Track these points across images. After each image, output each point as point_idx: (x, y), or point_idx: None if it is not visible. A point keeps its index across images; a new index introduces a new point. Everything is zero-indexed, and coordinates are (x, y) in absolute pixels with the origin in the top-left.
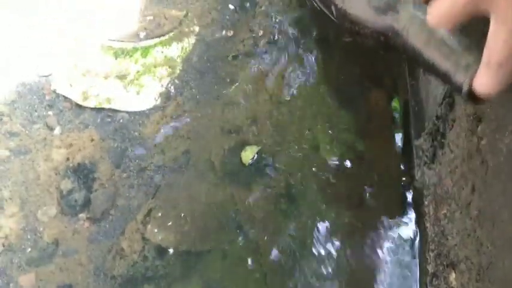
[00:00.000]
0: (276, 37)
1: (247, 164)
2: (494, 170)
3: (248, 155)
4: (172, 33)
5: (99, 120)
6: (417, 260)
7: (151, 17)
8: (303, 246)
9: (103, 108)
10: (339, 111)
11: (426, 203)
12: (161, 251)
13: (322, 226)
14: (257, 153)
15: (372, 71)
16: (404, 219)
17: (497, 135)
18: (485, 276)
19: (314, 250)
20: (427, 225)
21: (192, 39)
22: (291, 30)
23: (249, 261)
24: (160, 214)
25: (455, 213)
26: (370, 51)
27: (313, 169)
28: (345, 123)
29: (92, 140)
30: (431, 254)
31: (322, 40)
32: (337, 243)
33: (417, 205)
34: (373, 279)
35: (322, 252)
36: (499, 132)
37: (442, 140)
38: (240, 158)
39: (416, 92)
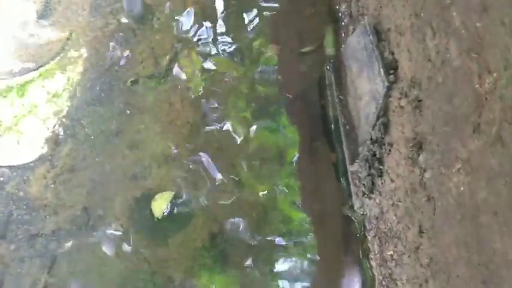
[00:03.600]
0: (180, 54)
1: (160, 217)
2: (443, 212)
3: (160, 205)
4: (54, 61)
5: None
6: None
7: (26, 44)
8: None
9: None
10: (266, 137)
11: (369, 238)
12: None
13: (253, 278)
14: (171, 201)
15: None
16: (348, 256)
17: (443, 169)
18: None
19: None
20: (373, 264)
21: (80, 66)
22: (197, 45)
23: None
24: None
25: (403, 256)
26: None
27: (240, 211)
28: (272, 151)
29: None
30: None
31: (238, 53)
32: None
33: (360, 239)
34: None
35: None
36: (445, 166)
37: (380, 167)
38: (151, 210)
39: (346, 109)
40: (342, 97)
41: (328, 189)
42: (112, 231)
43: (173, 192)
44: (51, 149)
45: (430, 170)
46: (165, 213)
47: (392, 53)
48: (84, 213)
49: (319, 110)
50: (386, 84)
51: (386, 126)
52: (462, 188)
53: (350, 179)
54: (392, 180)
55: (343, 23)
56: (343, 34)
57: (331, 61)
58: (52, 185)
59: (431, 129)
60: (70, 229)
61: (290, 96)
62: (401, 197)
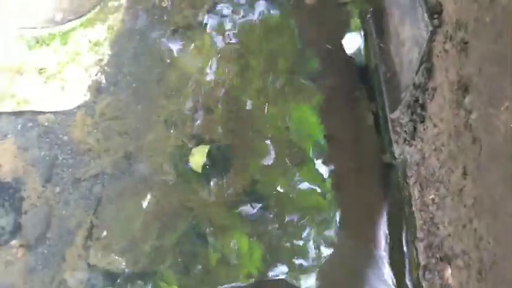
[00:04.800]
0: (220, 3)
1: (200, 171)
2: (490, 151)
3: (198, 160)
4: (95, 10)
5: (19, 126)
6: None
7: None
8: (272, 254)
9: (22, 112)
10: (302, 86)
11: (410, 183)
12: (111, 276)
13: (293, 225)
14: (209, 153)
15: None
16: (387, 202)
17: (490, 109)
18: (488, 277)
19: (289, 246)
20: (413, 209)
21: (120, 15)
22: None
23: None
24: (104, 233)
25: (445, 199)
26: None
27: (281, 156)
28: (308, 99)
29: (14, 151)
30: (421, 245)
31: (276, 3)
32: (311, 235)
33: (399, 187)
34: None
35: (300, 246)
36: (492, 106)
37: (423, 113)
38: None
39: (387, 56)
40: (382, 45)
41: (368, 139)
42: (154, 177)
43: (208, 146)
44: (94, 96)
45: (476, 111)
46: (206, 166)
47: None
48: (126, 158)
49: (359, 60)
50: (431, 28)
51: (429, 71)
52: (511, 125)
53: (390, 127)
54: (435, 125)
55: None
56: None
57: (371, 9)
58: (95, 131)
59: (478, 70)
60: (113, 173)
61: (330, 47)
62: (445, 141)
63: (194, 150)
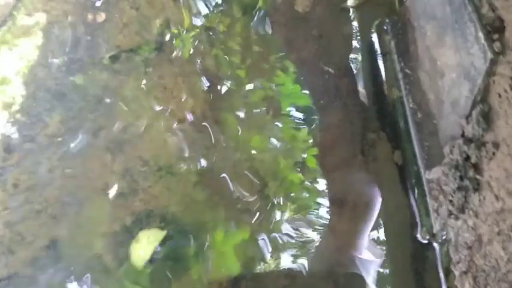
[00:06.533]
0: (172, 15)
1: (141, 267)
2: None
3: (144, 250)
4: (0, 31)
5: None
6: None
7: None
8: None
9: None
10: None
11: (456, 273)
12: None
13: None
14: (162, 242)
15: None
16: None
17: None
18: None
19: None
20: None
21: (38, 38)
22: (197, 5)
23: None
24: None
25: None
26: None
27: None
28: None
29: None
30: None
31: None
32: None
33: (438, 276)
34: None
35: None
36: None
37: (477, 177)
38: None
39: (416, 88)
40: (409, 71)
41: (391, 203)
42: (90, 274)
43: (165, 231)
44: (2, 159)
45: None
46: (153, 260)
47: (494, 9)
48: (51, 250)
49: (373, 89)
50: (490, 56)
51: (487, 118)
52: None
53: (426, 190)
54: (497, 198)
55: None
56: None
57: (390, 19)
58: (5, 212)
59: None
60: (32, 274)
61: (330, 70)
62: None
63: (141, 234)
